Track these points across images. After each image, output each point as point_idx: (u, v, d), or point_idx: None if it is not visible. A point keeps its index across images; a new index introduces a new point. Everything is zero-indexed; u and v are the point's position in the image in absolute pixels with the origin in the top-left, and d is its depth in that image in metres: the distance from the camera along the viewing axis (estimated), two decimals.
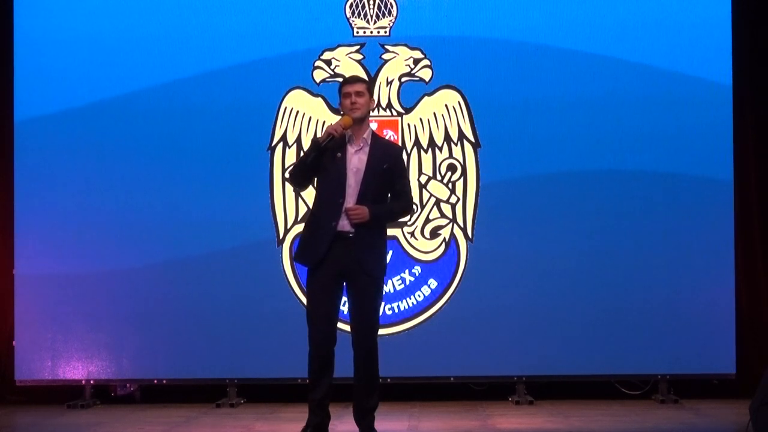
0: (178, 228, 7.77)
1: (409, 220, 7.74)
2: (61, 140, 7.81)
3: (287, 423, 6.79)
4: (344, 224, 5.69)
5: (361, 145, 5.77)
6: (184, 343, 7.77)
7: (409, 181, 6.07)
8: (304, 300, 6.88)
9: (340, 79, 7.67)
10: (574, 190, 7.75)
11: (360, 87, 5.79)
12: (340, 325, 5.86)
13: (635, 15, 7.76)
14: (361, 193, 5.71)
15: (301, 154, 7.18)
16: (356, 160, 5.74)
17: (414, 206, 6.56)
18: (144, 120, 7.79)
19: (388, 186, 5.82)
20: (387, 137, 7.66)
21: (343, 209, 5.68)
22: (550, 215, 7.74)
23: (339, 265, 5.70)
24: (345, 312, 5.84)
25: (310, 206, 6.85)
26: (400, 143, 7.72)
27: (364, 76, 7.75)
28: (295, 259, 6.07)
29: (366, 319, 5.76)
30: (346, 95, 5.77)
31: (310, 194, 6.73)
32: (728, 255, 7.74)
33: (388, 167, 5.78)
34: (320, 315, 5.72)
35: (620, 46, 7.76)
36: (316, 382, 5.75)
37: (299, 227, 7.55)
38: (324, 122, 7.68)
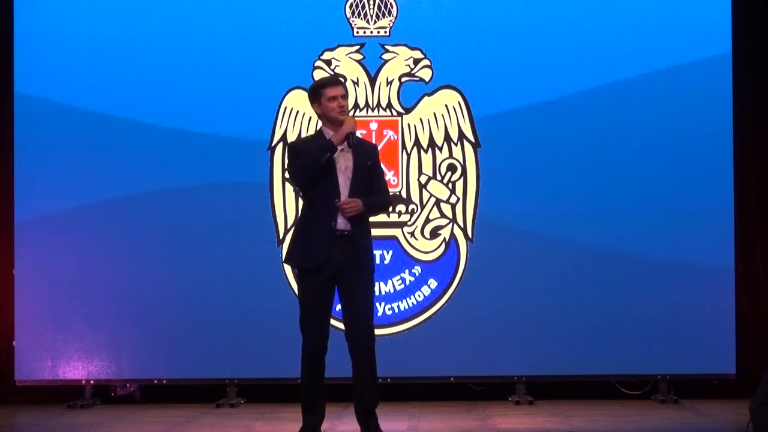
0: (178, 228, 7.77)
1: (410, 219, 7.76)
2: (61, 141, 7.80)
3: (287, 423, 6.78)
4: (342, 223, 5.71)
5: (344, 144, 5.80)
6: (184, 343, 7.77)
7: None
8: None
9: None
10: (574, 190, 7.75)
11: (343, 90, 5.85)
12: (333, 322, 5.86)
13: (635, 15, 7.76)
14: (352, 191, 5.73)
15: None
16: (343, 159, 5.76)
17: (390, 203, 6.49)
18: (143, 120, 7.79)
19: (371, 182, 5.84)
20: (387, 137, 7.67)
21: (337, 206, 5.69)
22: (550, 215, 7.74)
23: (337, 265, 5.70)
24: (336, 309, 5.83)
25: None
26: (400, 143, 7.73)
27: (363, 76, 7.77)
28: (294, 264, 5.95)
29: (367, 315, 5.75)
30: (333, 98, 5.77)
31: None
32: (728, 255, 7.74)
33: (372, 164, 5.85)
34: (317, 323, 5.74)
35: (620, 46, 7.76)
36: (311, 385, 5.78)
37: None
38: None
